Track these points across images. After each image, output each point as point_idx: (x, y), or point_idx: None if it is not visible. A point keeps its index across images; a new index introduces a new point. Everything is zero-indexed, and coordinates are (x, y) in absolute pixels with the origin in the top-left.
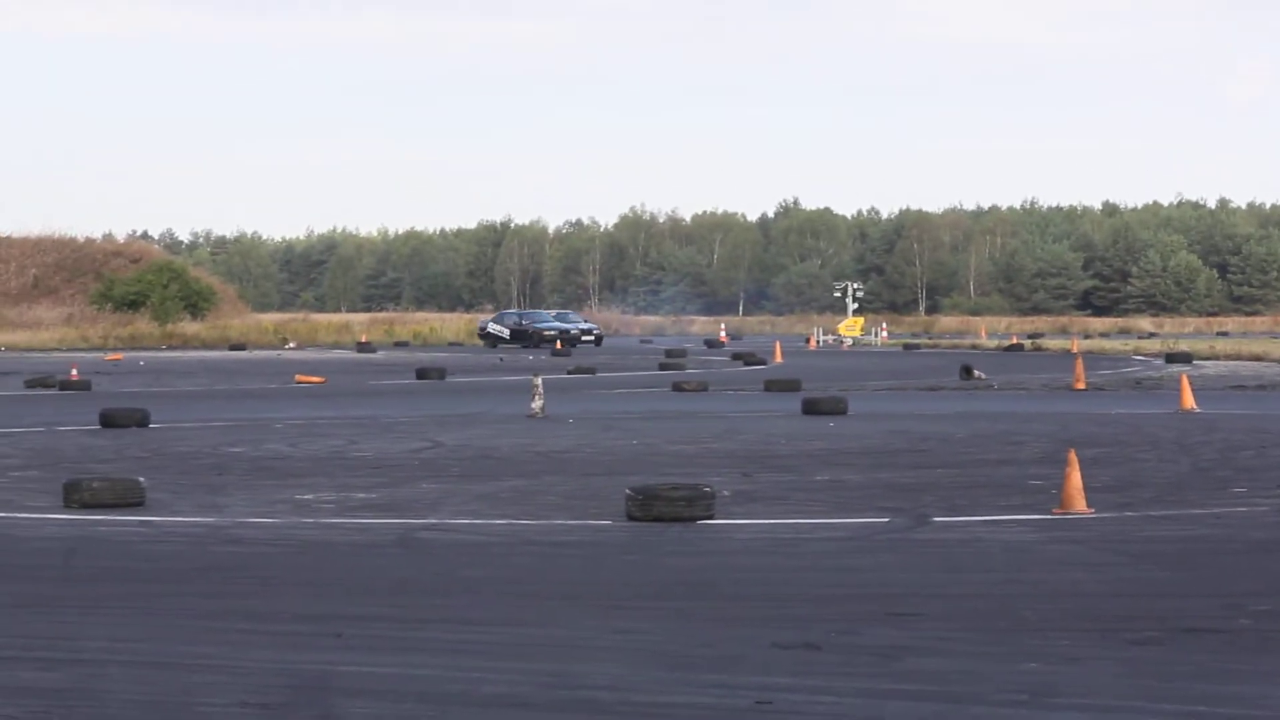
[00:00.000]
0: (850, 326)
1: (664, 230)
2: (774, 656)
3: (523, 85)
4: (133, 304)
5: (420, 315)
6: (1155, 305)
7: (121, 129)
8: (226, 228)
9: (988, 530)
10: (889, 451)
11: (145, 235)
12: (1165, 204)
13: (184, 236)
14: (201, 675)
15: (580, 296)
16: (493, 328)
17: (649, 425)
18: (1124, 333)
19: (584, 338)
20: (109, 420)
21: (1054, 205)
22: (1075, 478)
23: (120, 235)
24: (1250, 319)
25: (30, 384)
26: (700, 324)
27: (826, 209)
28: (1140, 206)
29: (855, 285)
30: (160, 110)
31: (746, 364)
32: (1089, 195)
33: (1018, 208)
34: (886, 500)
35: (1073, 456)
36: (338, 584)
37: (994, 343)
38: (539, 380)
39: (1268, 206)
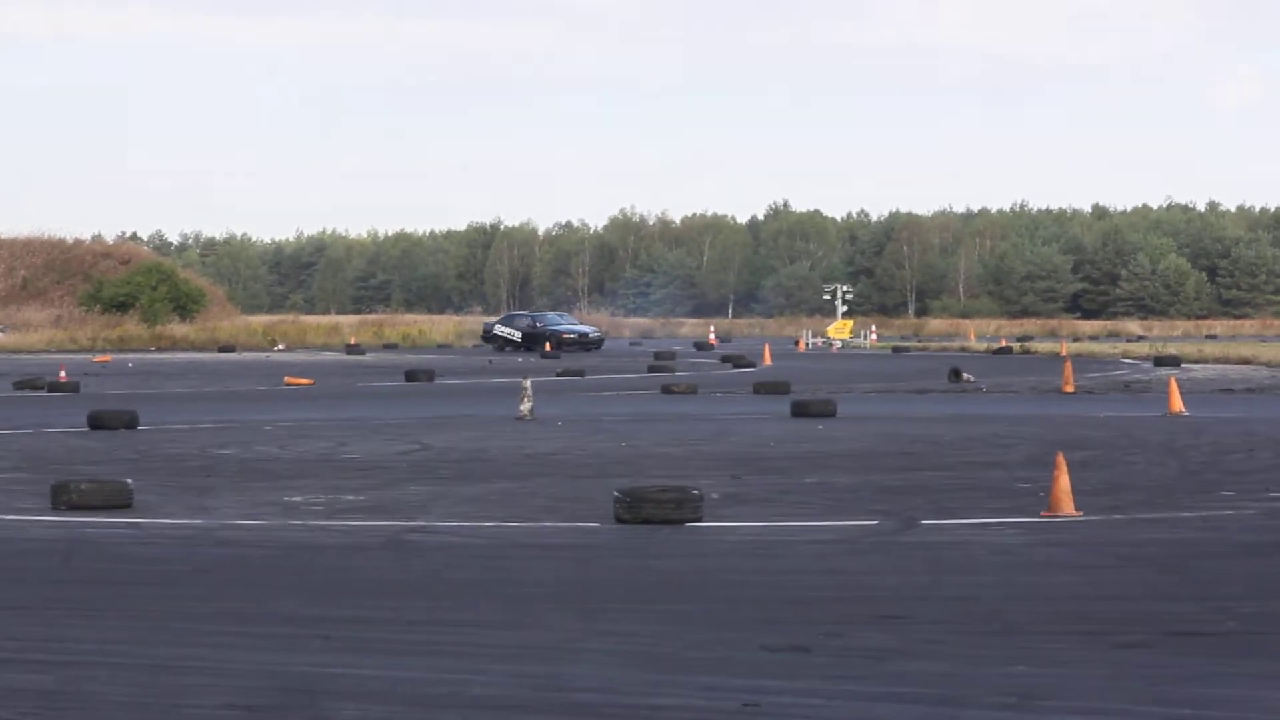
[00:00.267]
0: (839, 329)
1: (654, 232)
2: (762, 659)
3: (512, 87)
4: (122, 306)
5: (409, 317)
6: (1144, 308)
7: (111, 130)
8: (216, 229)
9: (976, 533)
10: (878, 454)
11: (134, 237)
12: (1154, 207)
13: (173, 238)
14: (189, 677)
15: (570, 299)
16: (501, 330)
17: (638, 428)
18: (1113, 336)
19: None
20: (97, 422)
21: (1043, 208)
22: (1063, 480)
23: (109, 237)
24: (1239, 322)
25: (18, 385)
26: (689, 326)
27: (816, 211)
28: (1129, 209)
29: (845, 288)
30: (150, 112)
31: (736, 366)
32: (1078, 198)
33: (1007, 210)
34: (875, 503)
35: (1061, 459)
36: (326, 586)
37: (983, 345)
38: (528, 383)
39: (1257, 210)
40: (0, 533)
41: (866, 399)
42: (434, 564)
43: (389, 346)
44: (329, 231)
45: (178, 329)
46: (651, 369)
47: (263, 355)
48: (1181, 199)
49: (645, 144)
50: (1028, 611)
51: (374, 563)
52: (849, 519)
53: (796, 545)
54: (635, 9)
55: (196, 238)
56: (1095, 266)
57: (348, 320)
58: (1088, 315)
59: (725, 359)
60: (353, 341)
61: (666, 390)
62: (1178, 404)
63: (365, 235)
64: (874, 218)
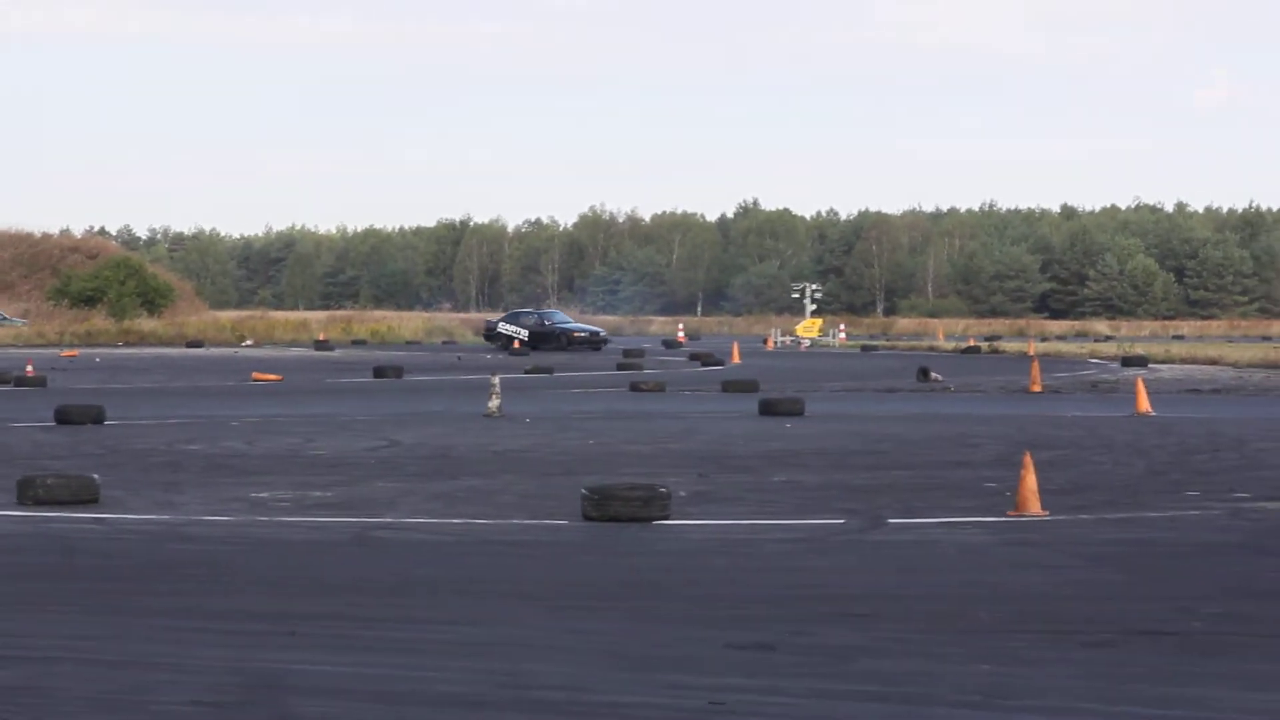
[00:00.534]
0: (808, 328)
1: (623, 230)
2: (728, 657)
3: (482, 84)
4: (89, 300)
5: (378, 313)
6: (1112, 308)
7: (79, 124)
8: (184, 224)
9: (943, 532)
10: (845, 453)
11: (103, 231)
12: (1123, 208)
13: (142, 233)
14: (154, 673)
15: (539, 296)
16: (506, 328)
17: (606, 425)
18: (1080, 335)
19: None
20: (64, 417)
21: (1012, 208)
22: (1030, 480)
23: (78, 231)
24: (1206, 323)
25: None
26: (658, 324)
27: (785, 210)
28: (1098, 210)
29: (813, 286)
30: (118, 106)
31: (704, 364)
32: (1047, 198)
33: (976, 210)
34: (842, 501)
35: (1028, 459)
36: (293, 582)
37: (951, 345)
38: (497, 379)
39: (1224, 211)
40: None
41: (835, 398)
42: (401, 561)
43: (357, 343)
44: (298, 227)
45: (145, 324)
46: (620, 367)
47: (231, 351)
48: (1149, 199)
49: (615, 142)
50: (994, 610)
51: (341, 559)
52: (816, 517)
53: (764, 543)
54: (606, 7)
55: (165, 232)
56: (1063, 266)
57: (316, 316)
58: (1056, 315)
59: (694, 357)
60: (321, 337)
61: (635, 388)
62: (1144, 404)
63: (334, 231)
64: (843, 217)
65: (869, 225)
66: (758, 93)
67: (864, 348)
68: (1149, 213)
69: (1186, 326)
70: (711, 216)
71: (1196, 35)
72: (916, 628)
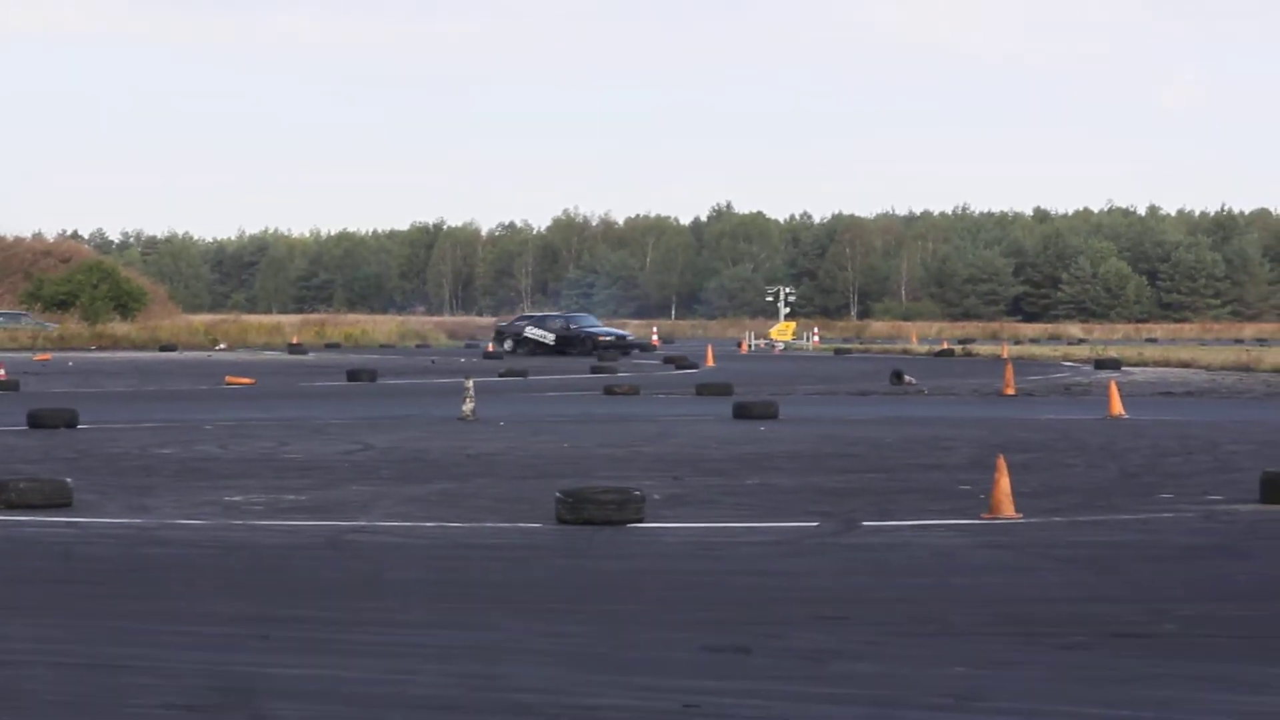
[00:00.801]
0: (782, 331)
1: (597, 233)
2: (702, 659)
3: (455, 86)
4: (62, 304)
5: (352, 317)
6: (1085, 311)
7: (51, 127)
8: (157, 228)
9: (916, 535)
10: (819, 456)
11: (75, 235)
12: (1096, 210)
13: (114, 236)
14: (128, 677)
15: (513, 299)
16: (534, 332)
17: (580, 428)
18: (1054, 339)
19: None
20: (37, 421)
21: (986, 211)
22: (1004, 483)
23: (50, 234)
24: (1179, 326)
25: None
26: (632, 327)
27: (759, 213)
28: (1071, 213)
29: (787, 290)
30: (91, 109)
31: (678, 368)
32: (1020, 201)
33: (949, 213)
34: (816, 504)
35: (1001, 462)
36: (266, 586)
37: (925, 348)
38: (470, 383)
39: (1197, 214)
40: None
41: (808, 401)
42: (375, 564)
43: (331, 346)
44: (271, 230)
45: (119, 328)
46: (594, 370)
47: (204, 354)
48: (1122, 203)
49: (588, 145)
50: (967, 613)
51: (315, 563)
52: (790, 520)
53: (737, 546)
54: (579, 9)
55: (138, 236)
56: (1036, 269)
57: (290, 320)
58: (1029, 318)
59: (668, 360)
60: (295, 341)
61: (609, 391)
62: (1118, 407)
63: (308, 234)
64: (817, 220)
65: (842, 228)
66: (731, 96)
67: (837, 351)
68: (1122, 216)
69: (1159, 329)
70: (685, 220)
71: (1169, 38)
72: (890, 630)
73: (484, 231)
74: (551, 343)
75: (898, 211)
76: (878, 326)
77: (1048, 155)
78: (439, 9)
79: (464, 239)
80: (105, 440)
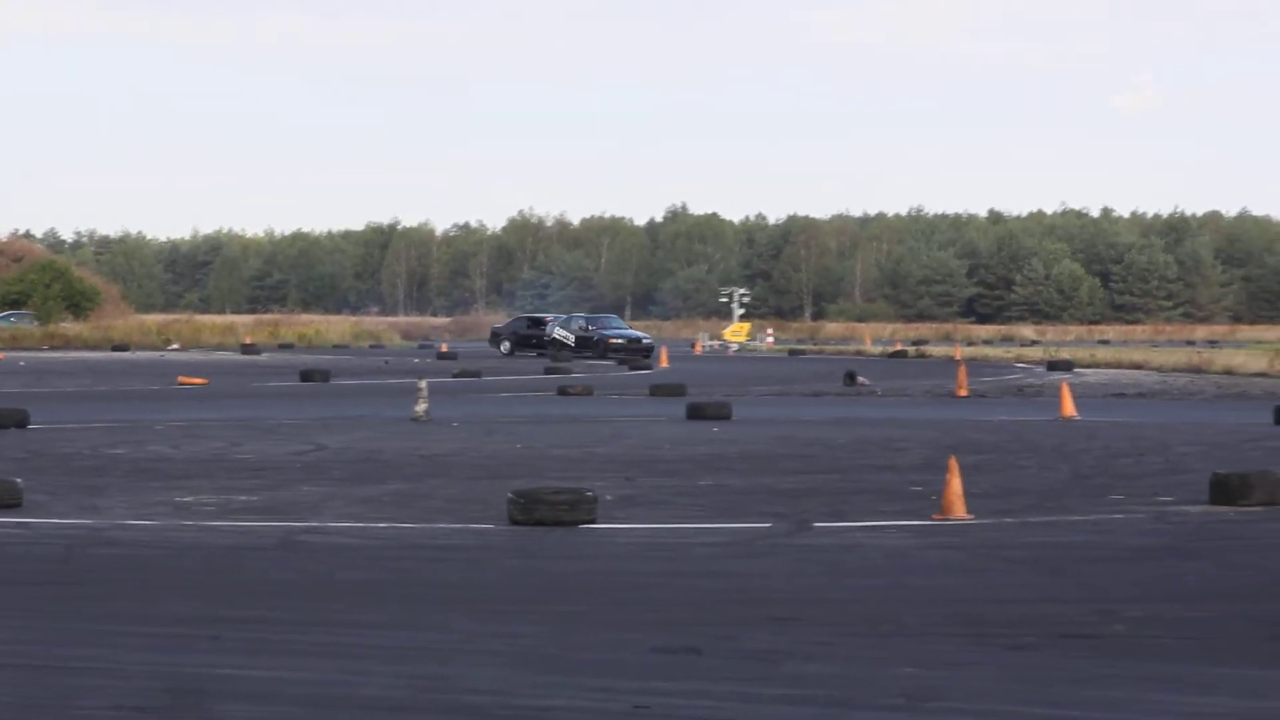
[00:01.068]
0: (736, 332)
1: (552, 234)
2: (654, 661)
3: (410, 87)
4: (14, 303)
5: (306, 317)
6: (1038, 313)
7: (2, 126)
8: (111, 227)
9: (869, 536)
10: (772, 457)
11: (28, 234)
12: (1049, 212)
13: (67, 236)
14: (78, 678)
15: (468, 300)
16: (561, 333)
17: (533, 429)
18: (1007, 340)
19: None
20: None
21: (940, 213)
22: (955, 484)
23: (2, 234)
24: (1131, 327)
25: None
26: None
27: (714, 214)
28: (1024, 215)
29: (742, 291)
30: (43, 107)
31: (632, 369)
32: (975, 203)
33: (904, 215)
34: (769, 505)
35: (953, 463)
36: (217, 587)
37: (878, 349)
38: (423, 384)
39: (1149, 216)
40: None
41: (762, 402)
42: (326, 565)
43: (285, 346)
44: (225, 230)
45: (71, 327)
46: (548, 370)
47: (157, 354)
48: (1076, 204)
49: (543, 145)
50: (918, 614)
51: (266, 564)
52: (743, 521)
53: (690, 547)
54: (533, 12)
55: (91, 235)
56: (990, 271)
57: (243, 320)
58: (982, 319)
59: (622, 361)
60: (248, 341)
61: (563, 392)
62: (1070, 408)
63: (262, 234)
64: (771, 221)
65: (797, 230)
66: (685, 97)
67: (791, 352)
68: (1075, 218)
69: (1112, 331)
70: (640, 221)
71: (1122, 41)
72: (841, 631)
73: (439, 232)
74: (572, 344)
75: (852, 213)
76: (832, 328)
77: (1002, 157)
78: (395, 10)
79: (419, 239)
80: (57, 440)
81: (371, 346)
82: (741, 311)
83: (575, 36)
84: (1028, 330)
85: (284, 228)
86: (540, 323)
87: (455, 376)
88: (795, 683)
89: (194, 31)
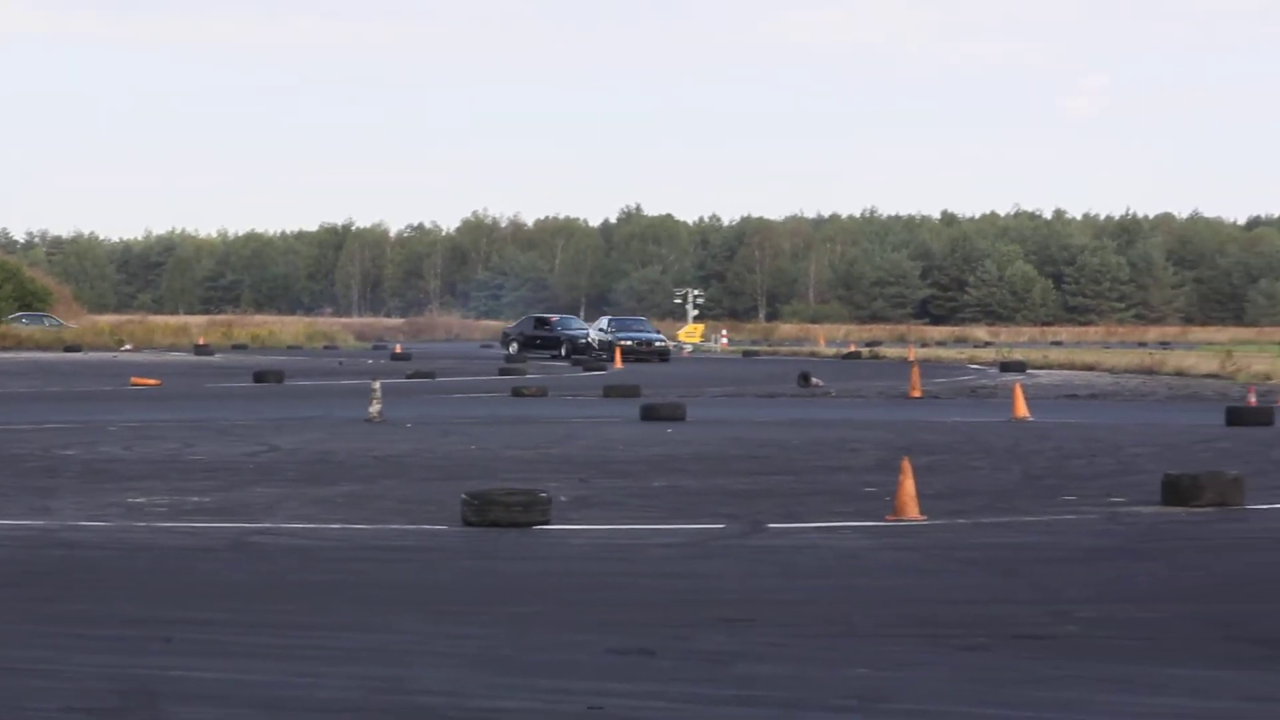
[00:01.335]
0: (690, 333)
1: (506, 235)
2: (607, 662)
3: (363, 88)
4: None
5: (259, 318)
6: (991, 314)
7: None
8: (63, 228)
9: (822, 537)
10: (726, 458)
11: None
12: (1002, 214)
13: (19, 236)
14: (28, 680)
15: (421, 301)
16: (593, 335)
17: (488, 430)
18: (960, 341)
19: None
20: None
21: (893, 214)
22: (909, 485)
23: None
24: (1084, 329)
25: None
26: None
27: (668, 215)
28: (978, 216)
29: (696, 292)
30: None
31: (586, 370)
32: (928, 205)
33: (858, 216)
34: (723, 506)
35: (906, 464)
36: (169, 588)
37: (832, 350)
38: (377, 384)
39: (1102, 218)
40: None
41: (716, 403)
42: (279, 566)
43: (238, 347)
44: (178, 231)
45: (23, 328)
46: (503, 371)
47: (109, 355)
48: (1028, 206)
49: (497, 146)
50: (871, 614)
51: (218, 565)
52: (696, 522)
53: (644, 548)
54: (487, 12)
55: (43, 236)
56: (944, 273)
57: (196, 320)
58: (936, 321)
59: (576, 362)
60: (201, 342)
61: (517, 393)
62: (1022, 409)
63: (215, 235)
64: (726, 222)
65: (751, 231)
66: (638, 98)
67: (746, 353)
68: (1028, 219)
69: (1064, 332)
70: (594, 222)
71: (1073, 43)
72: (794, 632)
73: (393, 232)
74: (597, 345)
75: (806, 214)
76: (786, 329)
77: (955, 159)
78: (347, 11)
79: (372, 240)
80: (8, 441)
81: (325, 347)
82: (696, 313)
83: (529, 38)
84: (981, 332)
85: (237, 228)
86: (547, 323)
87: (409, 377)
88: (748, 683)
89: (145, 31)
